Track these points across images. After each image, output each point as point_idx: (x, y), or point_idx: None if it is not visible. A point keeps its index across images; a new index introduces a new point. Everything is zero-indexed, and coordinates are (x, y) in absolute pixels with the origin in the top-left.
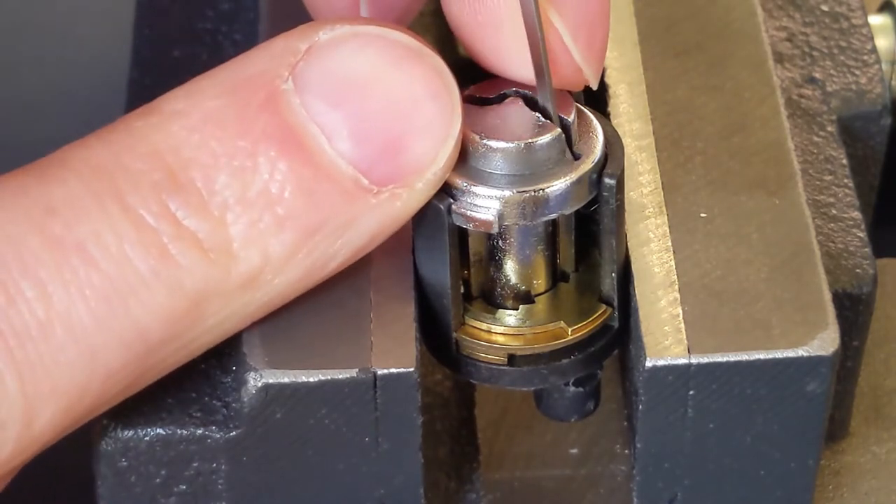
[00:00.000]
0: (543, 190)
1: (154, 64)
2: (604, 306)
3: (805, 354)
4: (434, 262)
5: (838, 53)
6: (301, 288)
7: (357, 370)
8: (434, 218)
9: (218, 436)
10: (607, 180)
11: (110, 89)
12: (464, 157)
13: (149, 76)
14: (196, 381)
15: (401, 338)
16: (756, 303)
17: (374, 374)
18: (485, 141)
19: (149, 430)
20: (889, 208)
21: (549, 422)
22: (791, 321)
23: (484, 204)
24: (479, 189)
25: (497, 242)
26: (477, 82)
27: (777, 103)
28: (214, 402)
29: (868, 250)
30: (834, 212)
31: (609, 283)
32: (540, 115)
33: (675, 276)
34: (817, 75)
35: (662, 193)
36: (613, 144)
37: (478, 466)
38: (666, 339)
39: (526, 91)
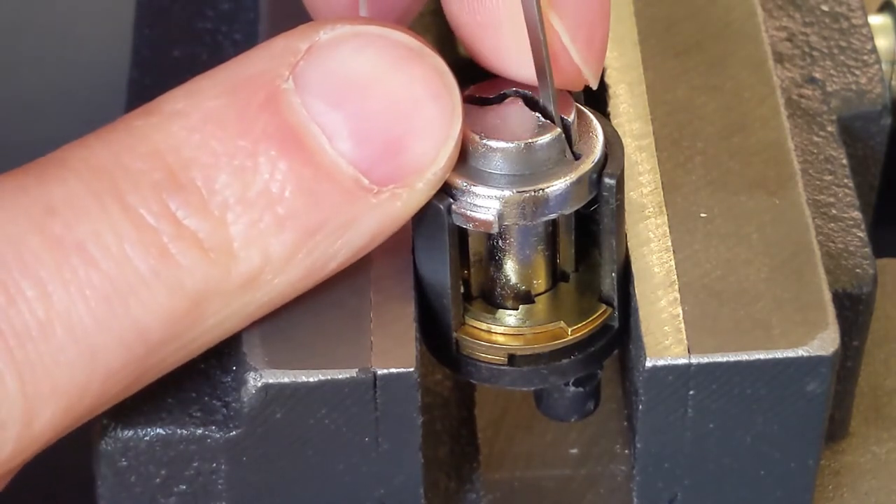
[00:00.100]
0: (543, 190)
1: (154, 64)
2: (604, 306)
3: (805, 354)
4: (434, 262)
5: (838, 53)
6: (301, 288)
7: (357, 370)
8: (434, 218)
9: (218, 436)
10: (607, 180)
11: (110, 89)
12: (464, 157)
13: (149, 76)
14: (196, 380)
15: (401, 338)
16: (756, 303)
17: (374, 374)
18: (485, 141)
19: (149, 429)
20: (889, 208)
21: (549, 422)
22: (791, 321)
23: (484, 204)
24: (479, 189)
25: (497, 242)
26: (477, 82)
27: (777, 103)
28: (214, 401)
29: (868, 250)
30: (834, 212)
31: (609, 283)
32: (540, 115)
33: (675, 276)
34: (817, 75)
35: (662, 193)
36: (613, 144)
37: (478, 466)
38: (666, 339)
39: (526, 91)
